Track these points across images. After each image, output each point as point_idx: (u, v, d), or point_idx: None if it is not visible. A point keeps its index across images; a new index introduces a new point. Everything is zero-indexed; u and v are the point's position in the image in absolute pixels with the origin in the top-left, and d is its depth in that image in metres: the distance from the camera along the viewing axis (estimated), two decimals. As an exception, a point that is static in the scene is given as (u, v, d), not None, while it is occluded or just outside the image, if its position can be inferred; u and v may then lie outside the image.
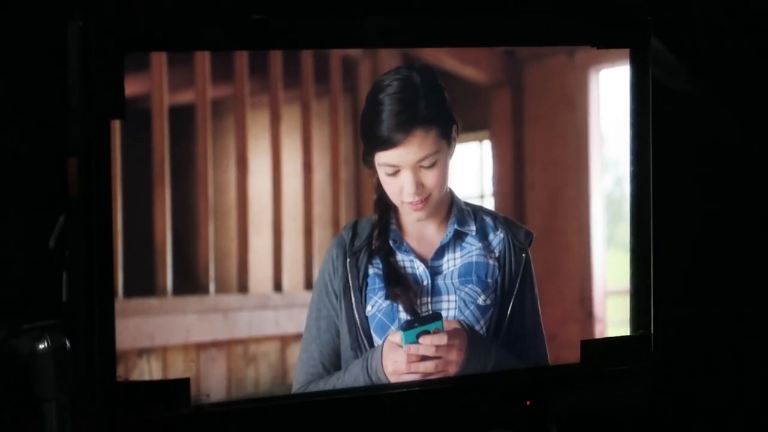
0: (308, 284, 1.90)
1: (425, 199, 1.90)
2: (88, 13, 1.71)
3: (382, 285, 1.91)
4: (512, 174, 1.99)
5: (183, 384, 1.79)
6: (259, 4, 1.84)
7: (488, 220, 1.95)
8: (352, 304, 1.90)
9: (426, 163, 1.88)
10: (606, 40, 2.00)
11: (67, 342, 1.72)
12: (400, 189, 1.89)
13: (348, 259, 1.90)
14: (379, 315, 1.90)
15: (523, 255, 1.95)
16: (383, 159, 1.88)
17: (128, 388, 1.76)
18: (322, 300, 1.90)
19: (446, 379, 1.90)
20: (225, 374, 1.84)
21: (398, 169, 1.87)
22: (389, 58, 1.89)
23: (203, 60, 1.80)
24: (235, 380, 1.85)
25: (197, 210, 1.83)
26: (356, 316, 1.90)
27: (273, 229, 1.88)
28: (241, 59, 1.82)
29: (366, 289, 1.91)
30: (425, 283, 1.92)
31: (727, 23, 2.20)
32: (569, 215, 2.01)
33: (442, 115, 1.89)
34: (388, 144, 1.86)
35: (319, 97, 1.89)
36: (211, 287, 1.84)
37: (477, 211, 1.95)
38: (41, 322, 1.75)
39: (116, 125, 1.73)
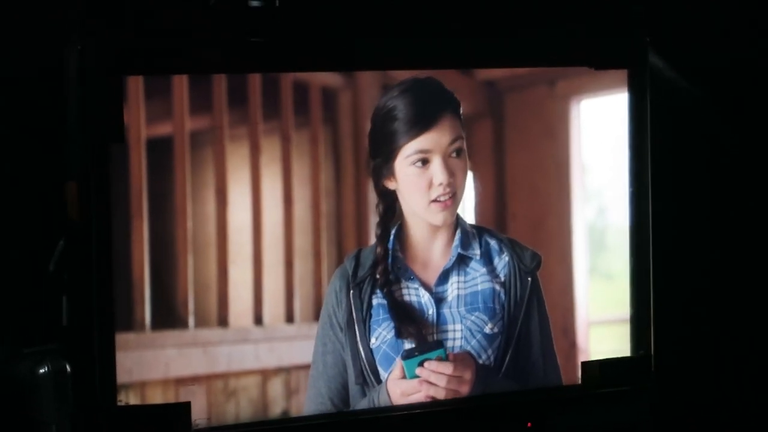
0: (289, 317, 1.88)
1: (452, 197, 1.87)
2: (87, 36, 1.70)
3: (386, 316, 1.88)
4: (494, 204, 1.97)
5: (183, 408, 1.78)
6: (256, 28, 1.84)
7: (493, 243, 1.93)
8: (356, 336, 1.87)
9: (455, 146, 1.86)
10: (604, 61, 2.00)
11: (67, 366, 1.71)
12: (429, 182, 1.86)
13: (351, 291, 1.87)
14: (384, 347, 1.87)
15: (529, 279, 1.92)
16: (413, 147, 1.86)
17: (128, 413, 1.75)
18: (327, 334, 1.87)
19: (447, 401, 1.88)
20: (205, 409, 1.81)
21: (428, 157, 1.85)
22: (370, 89, 1.88)
23: (181, 91, 1.79)
24: (215, 414, 1.82)
25: (176, 243, 1.81)
26: (360, 348, 1.87)
27: (253, 261, 1.85)
28: (220, 90, 1.81)
29: (370, 321, 1.88)
30: (430, 312, 1.90)
31: (726, 41, 2.19)
32: (551, 245, 2.00)
33: (457, 111, 1.89)
34: (419, 127, 1.85)
35: (298, 128, 1.87)
36: (191, 321, 1.82)
37: (482, 234, 1.93)
38: (41, 346, 1.75)
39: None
